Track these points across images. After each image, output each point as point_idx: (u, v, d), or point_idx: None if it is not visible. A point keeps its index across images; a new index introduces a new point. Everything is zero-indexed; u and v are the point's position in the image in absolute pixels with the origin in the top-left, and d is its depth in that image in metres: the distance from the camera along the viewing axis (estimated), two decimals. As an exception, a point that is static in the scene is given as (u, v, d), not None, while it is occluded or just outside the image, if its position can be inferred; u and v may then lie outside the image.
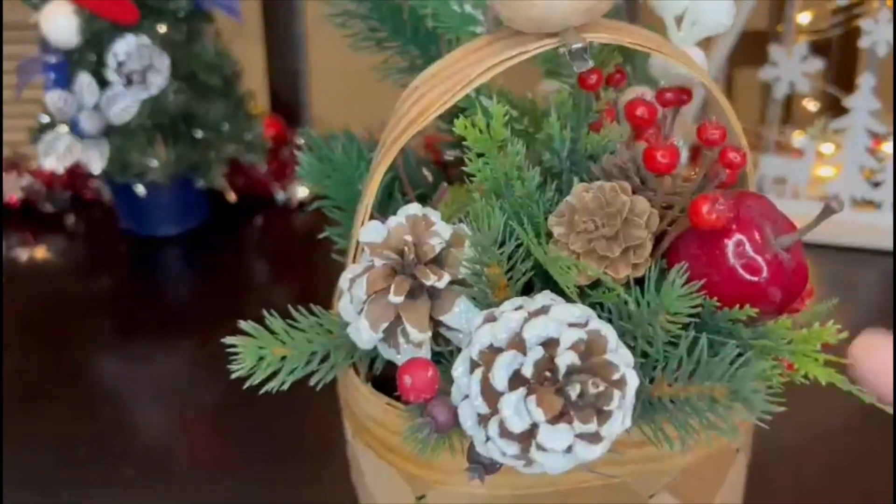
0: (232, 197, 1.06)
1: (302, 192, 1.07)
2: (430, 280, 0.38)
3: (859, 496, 0.58)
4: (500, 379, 0.33)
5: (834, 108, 0.99)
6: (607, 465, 0.39)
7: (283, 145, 1.11)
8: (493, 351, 0.33)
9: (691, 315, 0.36)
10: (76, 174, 1.05)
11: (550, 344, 0.33)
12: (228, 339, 0.40)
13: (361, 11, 0.53)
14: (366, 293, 0.38)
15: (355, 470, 0.48)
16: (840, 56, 1.03)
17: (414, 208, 0.40)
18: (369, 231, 0.40)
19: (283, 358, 0.41)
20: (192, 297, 0.90)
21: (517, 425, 0.32)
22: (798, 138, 1.01)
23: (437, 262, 0.39)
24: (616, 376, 0.32)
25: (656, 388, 0.36)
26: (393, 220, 0.40)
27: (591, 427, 0.32)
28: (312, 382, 0.41)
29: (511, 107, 0.50)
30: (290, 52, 1.20)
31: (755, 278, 0.36)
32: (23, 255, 0.98)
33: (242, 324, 0.40)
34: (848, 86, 0.97)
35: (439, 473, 0.41)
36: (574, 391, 0.32)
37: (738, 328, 0.37)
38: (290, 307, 0.42)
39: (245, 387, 0.40)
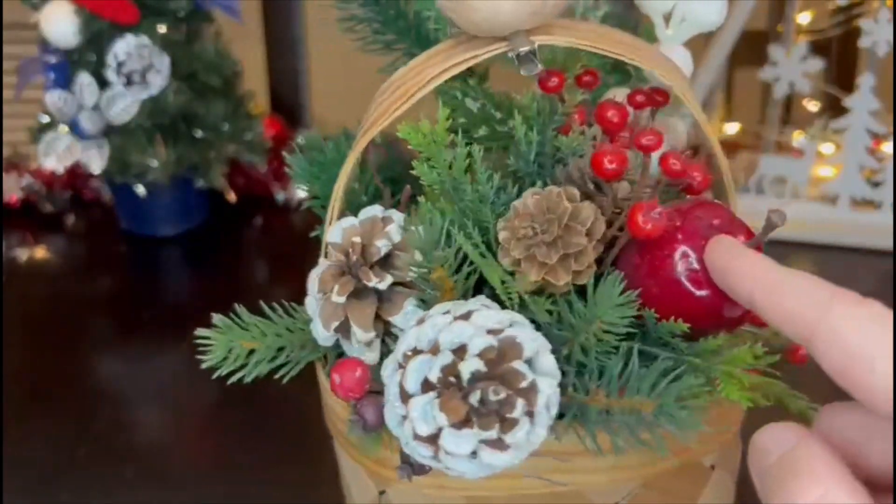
0: (232, 197, 1.06)
1: (301, 191, 1.06)
2: (372, 282, 0.38)
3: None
4: (412, 382, 0.33)
5: (834, 108, 0.99)
6: (557, 473, 0.38)
7: (283, 145, 1.11)
8: (416, 353, 0.34)
9: (634, 326, 0.35)
10: (76, 174, 1.04)
11: (461, 350, 0.33)
12: (200, 331, 0.42)
13: (368, 15, 0.53)
14: (317, 292, 0.40)
15: (340, 468, 0.48)
16: (840, 56, 1.03)
17: (375, 210, 0.41)
18: (334, 231, 0.41)
19: (253, 351, 0.42)
20: (192, 297, 0.90)
21: (424, 429, 0.33)
22: (798, 138, 1.01)
23: (387, 263, 0.39)
24: (523, 384, 0.32)
25: (592, 398, 0.35)
26: (347, 221, 0.41)
27: (493, 434, 0.32)
28: (278, 376, 0.42)
29: (495, 109, 0.50)
30: (290, 52, 1.20)
31: (699, 291, 0.34)
32: (23, 255, 0.98)
33: (216, 317, 0.42)
34: (848, 86, 0.97)
35: (392, 471, 0.41)
36: (475, 398, 0.32)
37: (678, 342, 0.36)
38: (261, 303, 0.43)
39: (214, 377, 0.41)
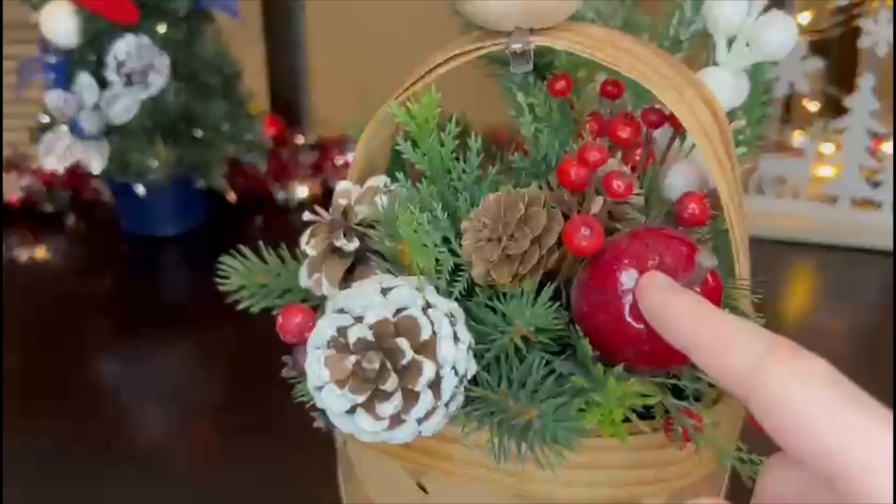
0: (232, 197, 1.06)
1: (301, 191, 1.07)
2: (340, 242, 0.41)
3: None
4: (319, 336, 0.35)
5: (834, 108, 0.99)
6: (474, 465, 0.38)
7: (283, 145, 1.11)
8: (337, 312, 0.36)
9: (563, 342, 0.35)
10: (76, 174, 1.05)
11: (362, 317, 0.35)
12: (224, 258, 0.46)
13: None
14: (306, 243, 0.43)
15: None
16: (840, 56, 1.03)
17: (379, 179, 0.43)
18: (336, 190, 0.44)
19: (264, 286, 0.46)
20: (192, 297, 0.90)
21: (315, 380, 0.35)
22: (798, 138, 1.01)
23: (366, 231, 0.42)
24: (404, 362, 0.34)
25: (498, 398, 0.36)
26: (342, 185, 0.43)
27: (361, 398, 0.34)
28: (275, 313, 0.45)
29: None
30: (290, 52, 1.20)
31: (634, 323, 0.32)
32: (23, 255, 0.98)
33: (241, 248, 0.47)
34: (848, 86, 0.98)
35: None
36: (350, 361, 0.34)
37: (589, 364, 0.35)
38: (282, 245, 0.48)
39: (228, 301, 0.46)
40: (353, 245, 0.41)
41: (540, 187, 0.40)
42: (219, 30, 0.98)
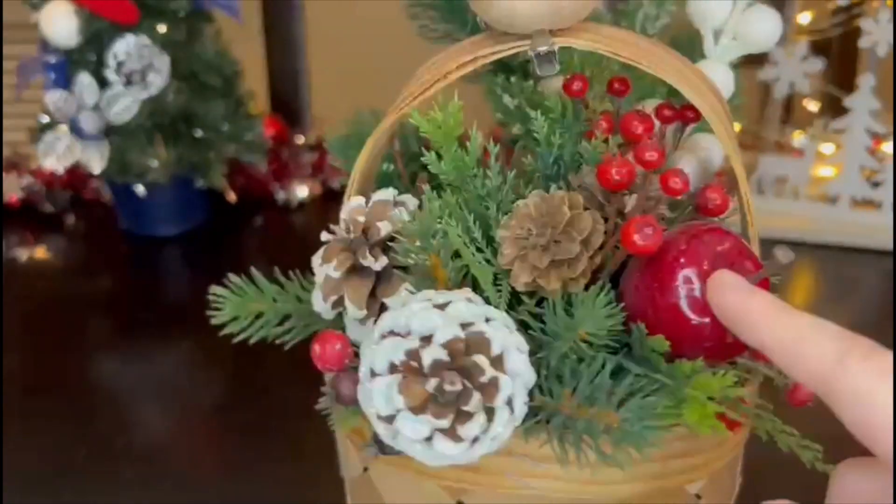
0: (232, 197, 1.06)
1: (301, 191, 1.07)
2: (367, 261, 0.39)
3: None
4: (380, 362, 0.34)
5: (834, 108, 0.99)
6: (528, 477, 0.38)
7: (283, 145, 1.11)
8: (390, 335, 0.34)
9: (620, 341, 0.35)
10: (76, 174, 1.05)
11: (429, 337, 0.33)
12: (215, 289, 0.43)
13: (434, 3, 0.52)
14: (320, 263, 0.41)
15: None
16: (840, 56, 1.03)
17: (388, 192, 0.42)
18: (344, 208, 0.42)
19: (261, 315, 0.43)
20: (192, 297, 0.90)
21: (384, 409, 0.33)
22: (798, 138, 1.01)
23: (390, 246, 0.40)
24: (483, 379, 0.33)
25: (563, 404, 0.35)
26: (356, 201, 0.41)
27: (445, 423, 0.32)
28: (280, 342, 0.43)
29: (532, 107, 0.49)
30: (290, 52, 1.20)
31: (699, 318, 0.33)
32: (23, 255, 0.98)
33: (232, 277, 0.43)
34: (848, 86, 0.98)
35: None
36: (431, 385, 0.32)
37: (659, 361, 0.35)
38: (277, 270, 0.45)
39: (222, 334, 0.43)
40: (381, 263, 0.39)
41: (559, 188, 0.40)
42: (219, 30, 0.98)
